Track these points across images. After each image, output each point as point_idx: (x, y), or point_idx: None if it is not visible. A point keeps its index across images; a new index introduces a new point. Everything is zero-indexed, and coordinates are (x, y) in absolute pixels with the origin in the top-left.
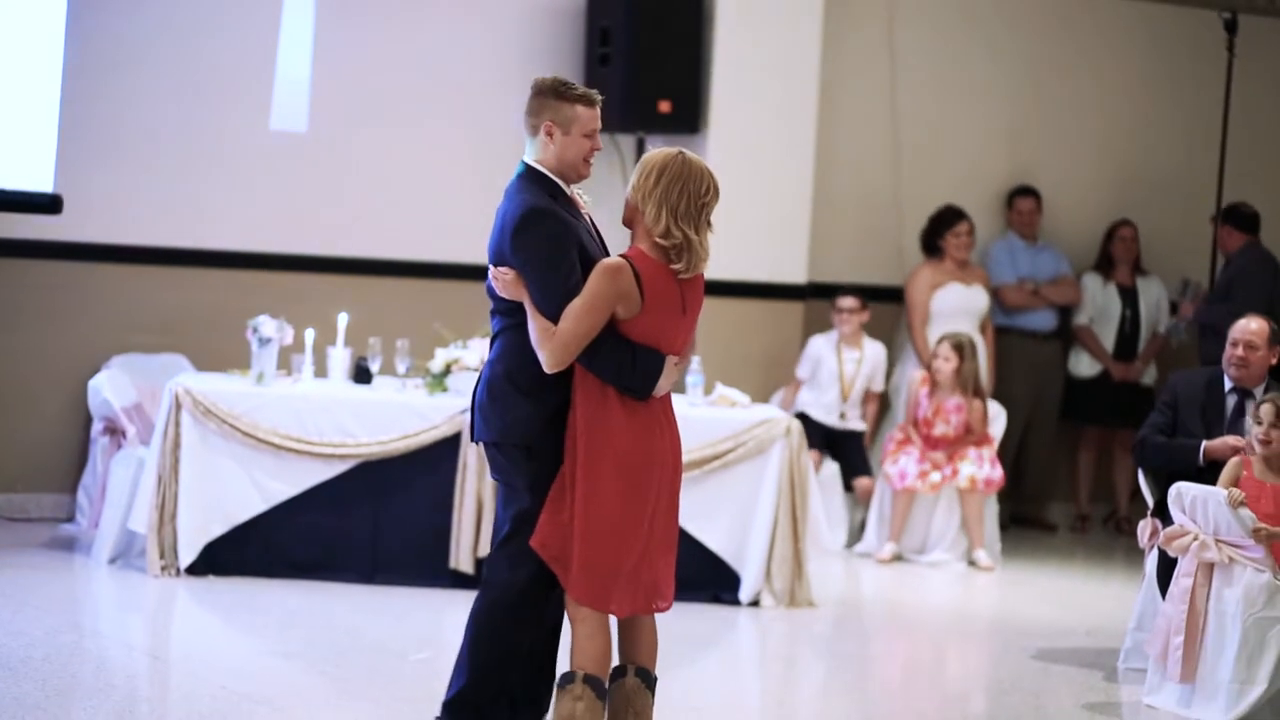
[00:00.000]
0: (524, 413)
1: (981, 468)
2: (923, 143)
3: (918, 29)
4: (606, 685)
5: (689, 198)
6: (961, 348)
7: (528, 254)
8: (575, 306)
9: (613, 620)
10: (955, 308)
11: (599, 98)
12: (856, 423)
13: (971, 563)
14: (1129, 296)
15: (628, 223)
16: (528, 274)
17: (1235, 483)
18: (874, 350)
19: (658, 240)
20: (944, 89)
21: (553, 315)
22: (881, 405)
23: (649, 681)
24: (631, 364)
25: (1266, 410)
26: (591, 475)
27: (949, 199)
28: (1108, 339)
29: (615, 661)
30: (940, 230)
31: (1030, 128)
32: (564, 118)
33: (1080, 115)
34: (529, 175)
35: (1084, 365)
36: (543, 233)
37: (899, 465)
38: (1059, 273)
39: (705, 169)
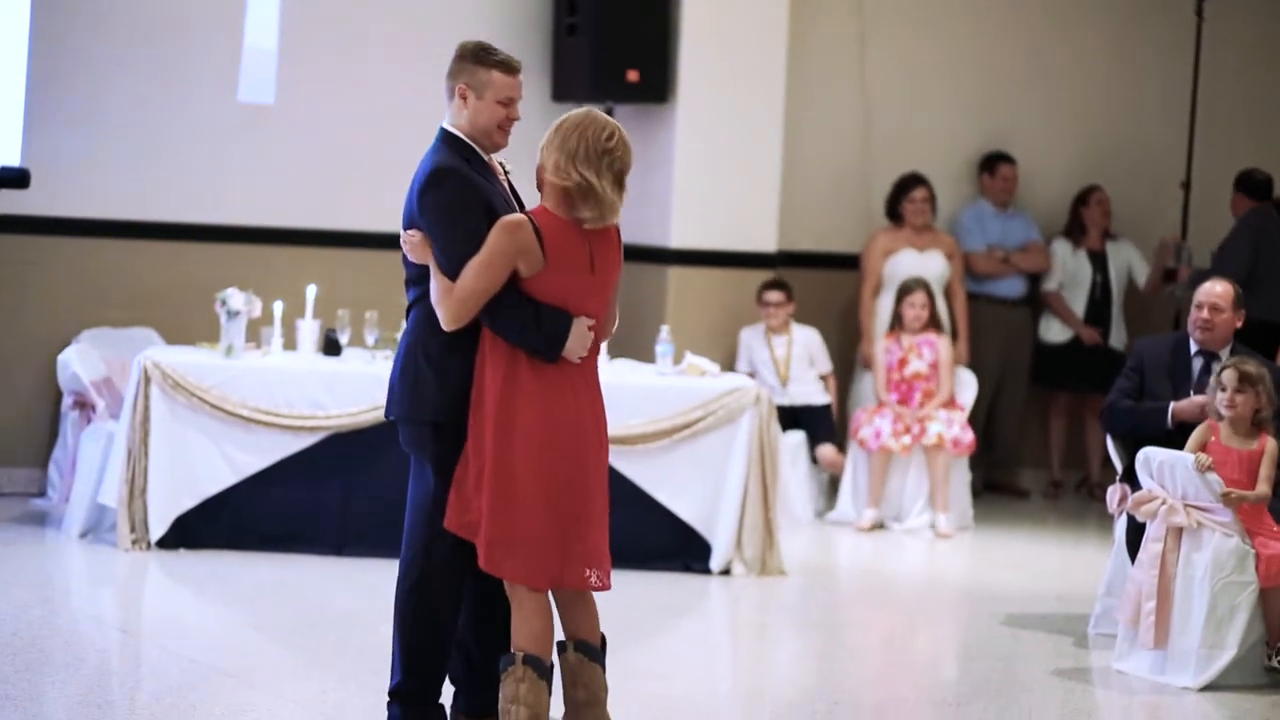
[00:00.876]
0: (431, 390)
1: (950, 428)
2: (892, 110)
3: None
4: (549, 663)
5: (588, 142)
6: (930, 291)
7: (433, 213)
8: (473, 262)
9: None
10: (908, 274)
11: (519, 65)
12: (817, 397)
13: (931, 527)
14: (1099, 262)
15: (540, 186)
16: (433, 234)
17: (1203, 448)
18: (804, 334)
19: (557, 182)
20: (914, 56)
21: (453, 274)
22: (844, 379)
23: (591, 653)
24: (536, 323)
25: (1229, 376)
26: (501, 445)
27: (919, 167)
28: (1079, 305)
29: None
30: (899, 195)
31: (1000, 95)
32: (479, 81)
33: (1050, 82)
34: (444, 139)
35: (1054, 331)
36: (447, 191)
37: (873, 426)
38: (1029, 239)
39: (611, 122)
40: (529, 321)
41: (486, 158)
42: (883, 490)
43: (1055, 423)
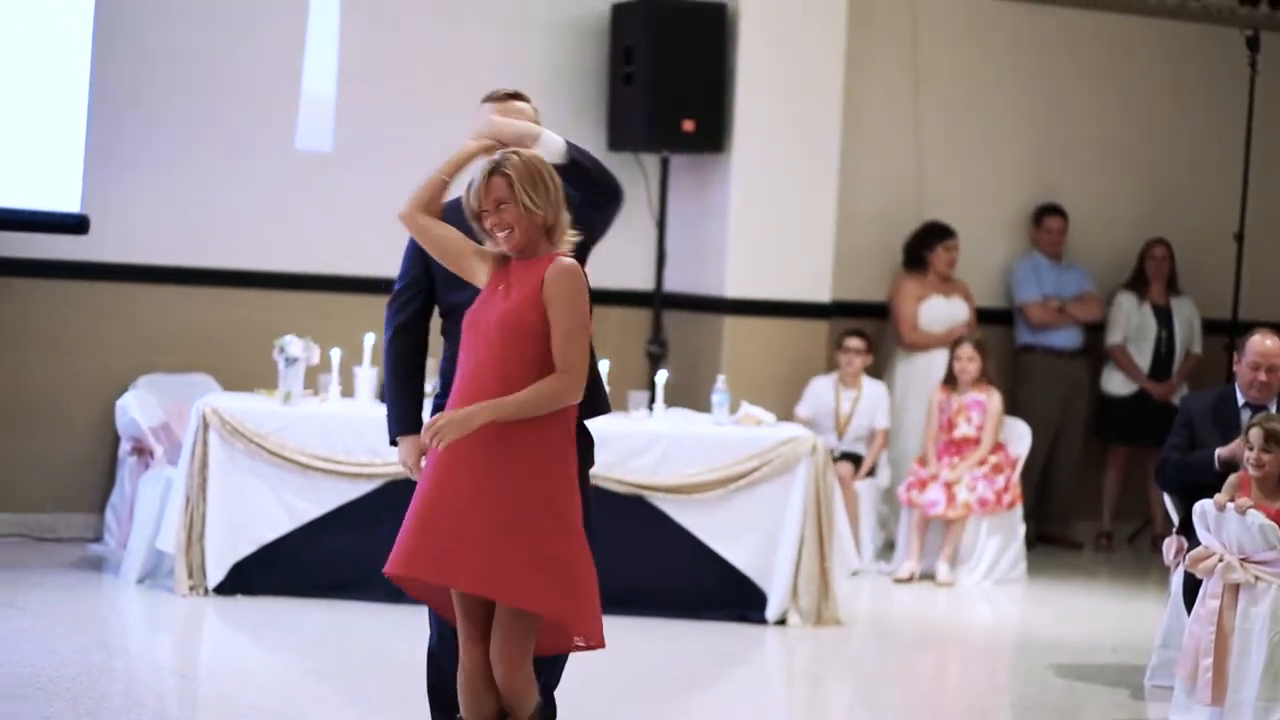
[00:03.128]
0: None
1: (974, 491)
2: (946, 161)
3: (941, 48)
4: None
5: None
6: (982, 346)
7: None
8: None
9: None
10: (936, 320)
11: (502, 92)
12: (858, 448)
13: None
14: (1164, 316)
15: (531, 246)
16: None
17: (1233, 496)
18: (872, 389)
19: (575, 238)
20: (967, 107)
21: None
22: (895, 420)
23: None
24: None
25: (1256, 435)
26: None
27: (972, 217)
28: (1144, 359)
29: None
30: (930, 242)
31: (1053, 146)
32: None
33: (1103, 134)
34: None
35: (1116, 384)
36: None
37: (927, 496)
38: (1083, 290)
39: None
40: None
41: None
42: (924, 544)
43: (1110, 475)
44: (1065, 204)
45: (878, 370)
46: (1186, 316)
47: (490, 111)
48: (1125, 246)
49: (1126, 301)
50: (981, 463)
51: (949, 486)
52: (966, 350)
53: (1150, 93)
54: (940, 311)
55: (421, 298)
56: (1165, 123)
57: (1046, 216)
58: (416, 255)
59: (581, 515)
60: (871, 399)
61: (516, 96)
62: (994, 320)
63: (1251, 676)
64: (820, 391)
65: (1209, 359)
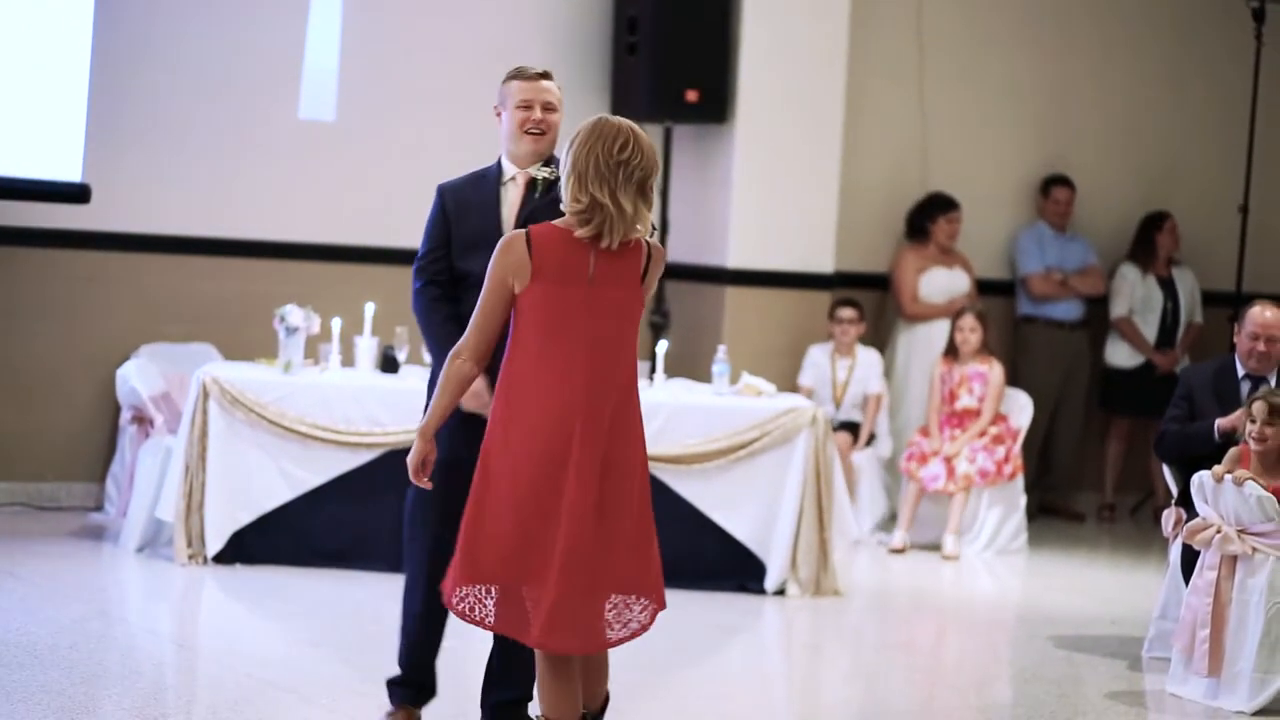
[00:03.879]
0: None
1: (974, 462)
2: (950, 132)
3: (946, 18)
4: None
5: (598, 158)
6: (983, 317)
7: None
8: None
9: None
10: (938, 291)
11: (536, 71)
12: (856, 416)
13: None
14: (1168, 287)
15: None
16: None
17: (1232, 468)
18: (866, 356)
19: (571, 207)
20: (972, 78)
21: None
22: (897, 392)
23: None
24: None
25: (1259, 408)
26: None
27: (977, 188)
28: (1150, 330)
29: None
30: (933, 213)
31: (1058, 117)
32: (502, 96)
33: (1108, 105)
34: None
35: (1122, 356)
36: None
37: (930, 470)
38: (1087, 263)
39: (625, 127)
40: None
41: (514, 173)
42: (915, 515)
43: (1113, 447)
44: (1070, 175)
45: (880, 341)
46: (1189, 287)
47: (518, 90)
48: (1128, 218)
49: (1130, 273)
50: (982, 434)
51: (949, 461)
52: (968, 321)
53: (1156, 64)
54: (941, 282)
55: (443, 263)
56: (1170, 94)
57: (1055, 187)
58: (439, 230)
59: (491, 486)
60: (866, 366)
61: (545, 76)
62: (995, 291)
63: (1248, 648)
64: (818, 360)
65: (1213, 331)
